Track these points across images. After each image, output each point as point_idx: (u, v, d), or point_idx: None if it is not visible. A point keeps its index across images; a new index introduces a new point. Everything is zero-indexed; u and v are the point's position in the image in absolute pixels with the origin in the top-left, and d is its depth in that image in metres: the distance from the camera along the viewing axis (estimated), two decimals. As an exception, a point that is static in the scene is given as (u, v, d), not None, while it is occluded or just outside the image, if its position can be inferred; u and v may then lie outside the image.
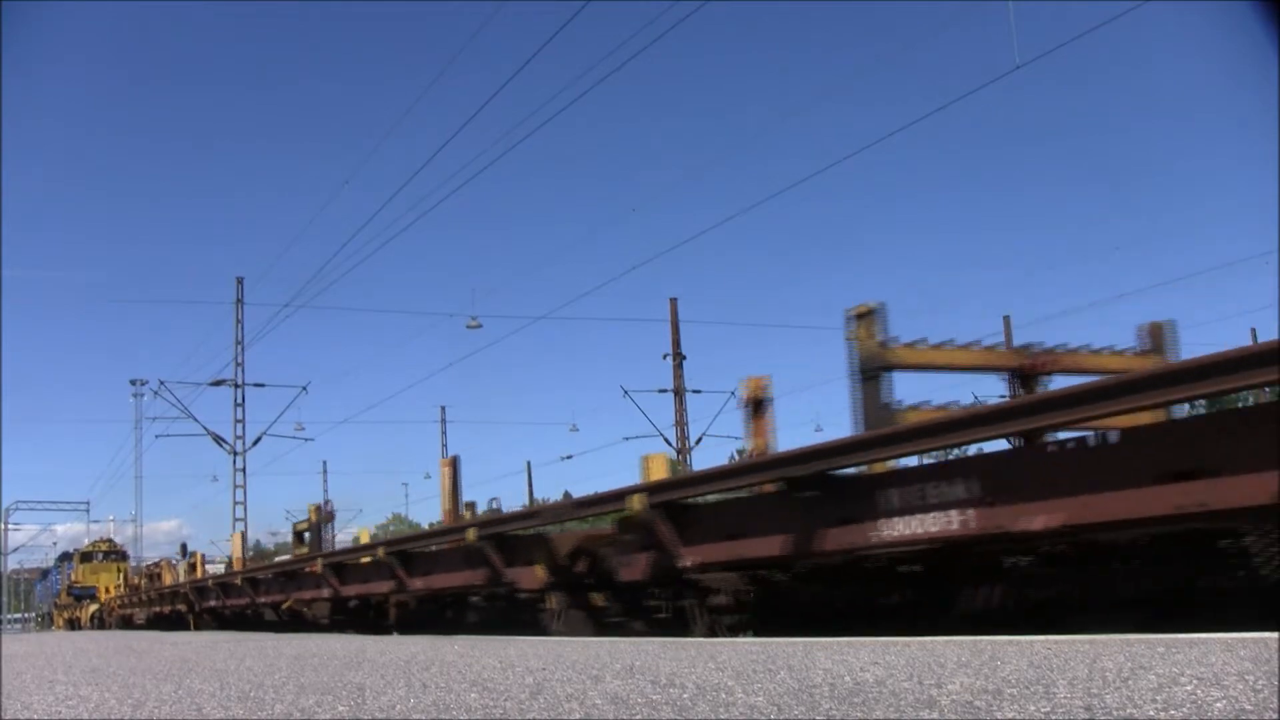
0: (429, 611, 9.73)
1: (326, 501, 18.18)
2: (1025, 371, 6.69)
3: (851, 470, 5.42)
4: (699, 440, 31.89)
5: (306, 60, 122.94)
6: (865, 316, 6.10)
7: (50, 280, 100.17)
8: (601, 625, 7.34)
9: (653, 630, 6.71)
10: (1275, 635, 3.15)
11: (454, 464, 10.80)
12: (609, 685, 3.15)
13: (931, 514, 4.76)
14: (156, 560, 31.80)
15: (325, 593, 11.98)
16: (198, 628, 18.24)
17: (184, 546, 31.53)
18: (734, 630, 6.08)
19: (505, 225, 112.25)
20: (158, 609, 23.54)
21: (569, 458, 49.97)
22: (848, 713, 2.36)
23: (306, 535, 16.49)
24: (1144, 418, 4.18)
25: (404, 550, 9.97)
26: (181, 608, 20.15)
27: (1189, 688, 2.29)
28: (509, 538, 8.17)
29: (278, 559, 17.92)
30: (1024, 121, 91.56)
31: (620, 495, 6.68)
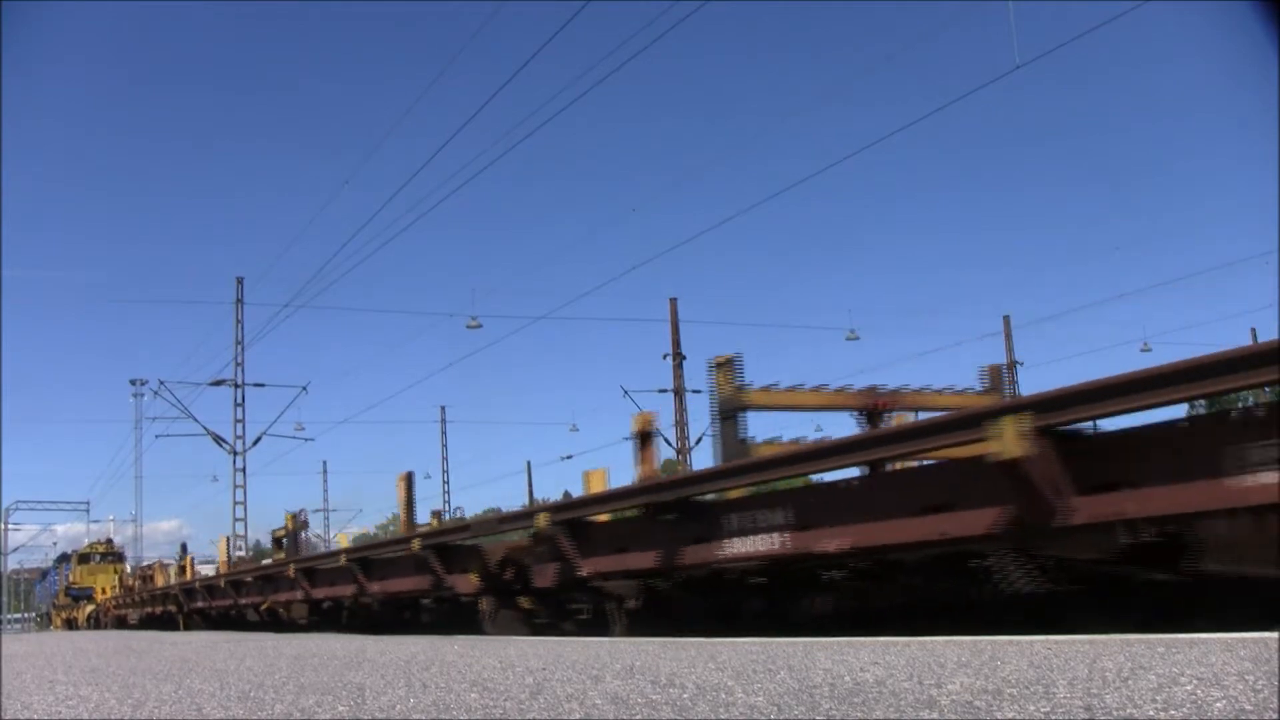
0: (389, 613, 10.76)
1: (301, 510, 19.83)
2: (871, 410, 7.54)
3: (710, 496, 6.41)
4: (699, 440, 31.87)
5: (306, 60, 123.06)
6: (724, 365, 7.13)
7: (50, 280, 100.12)
8: (533, 626, 8.26)
9: (580, 630, 7.72)
10: (1275, 635, 3.15)
11: (408, 479, 11.66)
12: (609, 685, 3.15)
13: (760, 535, 5.71)
14: (151, 563, 32.67)
15: (299, 595, 12.91)
16: (187, 627, 18.92)
17: (184, 546, 31.50)
18: (637, 630, 6.95)
19: (505, 225, 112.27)
20: (150, 609, 24.41)
21: (569, 458, 49.88)
22: (848, 713, 2.36)
23: (284, 541, 17.72)
24: (971, 449, 4.67)
25: (364, 557, 10.90)
26: (172, 608, 20.99)
27: (1189, 688, 2.29)
28: (449, 547, 9.03)
29: (262, 562, 18.72)
30: (1024, 121, 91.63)
31: (531, 514, 7.87)
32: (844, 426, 7.72)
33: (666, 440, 31.77)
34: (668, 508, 6.48)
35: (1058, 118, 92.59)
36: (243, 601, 15.66)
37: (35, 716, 3.47)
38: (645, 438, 7.66)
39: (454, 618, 9.23)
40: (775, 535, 5.57)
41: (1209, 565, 4.24)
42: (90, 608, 37.33)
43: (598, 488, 7.89)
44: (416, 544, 9.20)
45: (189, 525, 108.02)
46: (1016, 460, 4.25)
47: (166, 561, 29.64)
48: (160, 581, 26.02)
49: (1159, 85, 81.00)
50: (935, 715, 2.24)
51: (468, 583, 8.63)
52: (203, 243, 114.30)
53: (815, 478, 6.90)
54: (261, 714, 3.10)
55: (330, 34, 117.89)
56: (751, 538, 5.81)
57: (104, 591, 37.33)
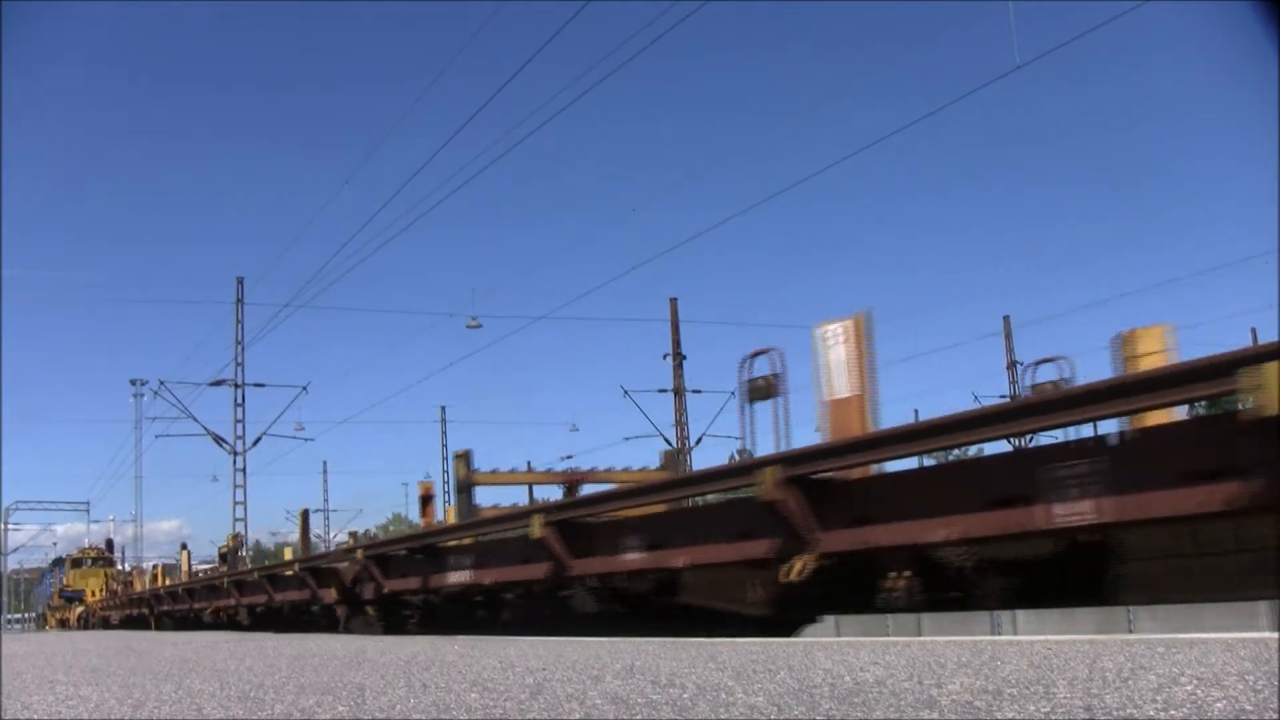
0: (291, 615, 13.82)
1: (236, 534, 24.63)
2: (569, 482, 11.42)
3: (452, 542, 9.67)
4: (699, 440, 31.90)
5: (306, 60, 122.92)
6: (461, 457, 11.77)
7: (50, 280, 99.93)
8: (378, 628, 10.75)
9: (418, 630, 10.03)
10: (1275, 635, 3.15)
11: (305, 516, 17.08)
12: (609, 685, 3.15)
13: (629, 554, 7.03)
14: (134, 568, 36.46)
15: (232, 601, 16.15)
16: (158, 628, 21.47)
17: (184, 546, 31.64)
18: (428, 629, 9.56)
19: (505, 225, 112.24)
20: (129, 611, 27.58)
21: (569, 458, 49.85)
22: (848, 713, 2.36)
23: (227, 556, 22.04)
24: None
25: (271, 574, 14.46)
26: (145, 611, 23.93)
27: (1189, 688, 2.29)
28: (319, 569, 12.22)
29: (233, 571, 21.31)
30: (1024, 121, 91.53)
31: (353, 549, 11.45)
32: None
33: (667, 440, 31.80)
34: (423, 550, 9.87)
35: (1058, 118, 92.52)
36: (196, 606, 18.83)
37: (35, 716, 3.47)
38: (426, 500, 12.00)
39: (327, 620, 12.18)
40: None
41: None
42: (80, 609, 39.78)
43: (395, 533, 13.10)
44: (296, 567, 12.90)
45: (189, 525, 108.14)
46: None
47: (169, 562, 31.43)
48: (138, 587, 29.31)
49: (1159, 85, 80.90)
50: (935, 715, 2.24)
51: (330, 595, 11.62)
52: (203, 243, 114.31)
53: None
54: (261, 714, 3.10)
55: (330, 34, 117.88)
56: (459, 572, 9.15)
57: (94, 594, 39.72)
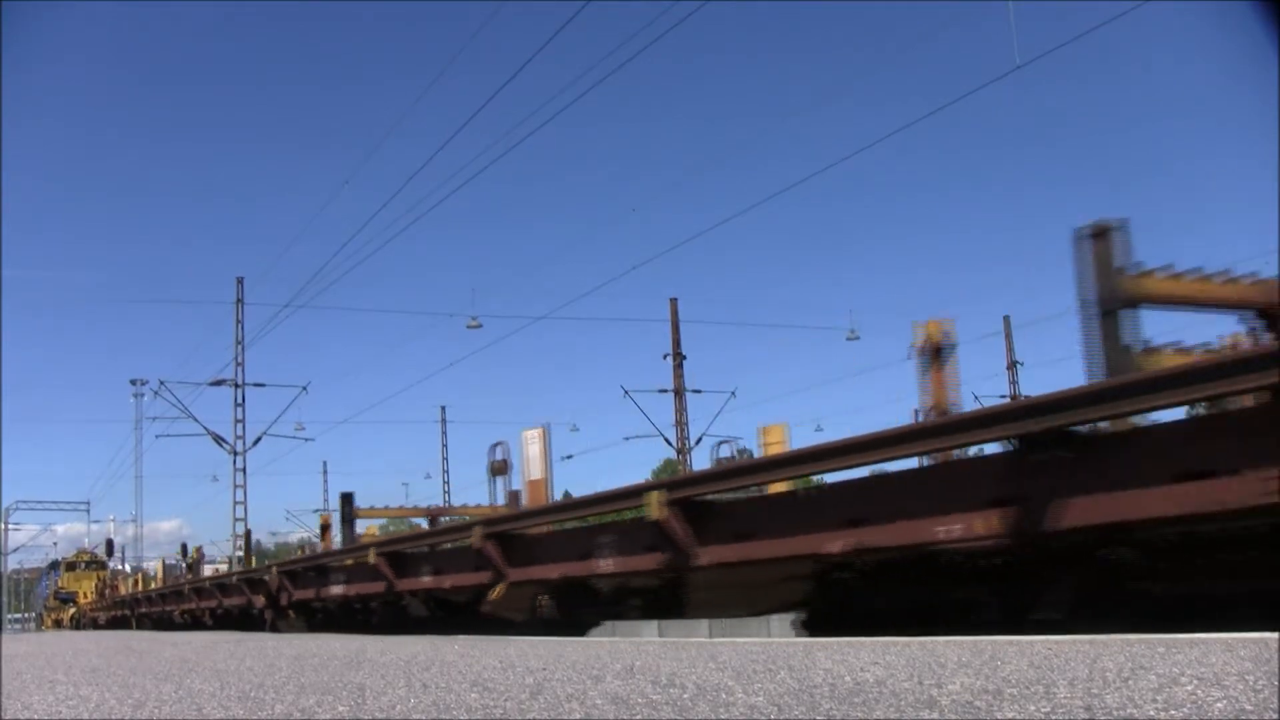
0: (241, 617, 15.60)
1: (199, 547, 28.66)
2: (431, 515, 13.84)
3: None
4: (699, 440, 31.87)
5: (306, 60, 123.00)
6: (346, 497, 15.59)
7: (50, 280, 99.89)
8: (300, 627, 13.16)
9: (323, 628, 12.32)
10: (1275, 635, 3.15)
11: (248, 535, 24.08)
12: (609, 685, 3.15)
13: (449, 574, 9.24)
14: (126, 567, 40.40)
15: (193, 605, 19.12)
16: (138, 627, 23.99)
17: (184, 546, 31.77)
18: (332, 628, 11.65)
19: (505, 225, 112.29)
20: (114, 613, 30.54)
21: (569, 458, 49.91)
22: (848, 713, 2.36)
23: (192, 566, 25.63)
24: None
25: (220, 583, 17.45)
26: (127, 612, 27.16)
27: (1189, 688, 2.29)
28: (252, 580, 14.96)
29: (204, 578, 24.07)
30: (1024, 121, 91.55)
31: (268, 568, 14.36)
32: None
33: (667, 440, 31.80)
34: (312, 569, 12.82)
35: (1058, 118, 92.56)
36: (168, 608, 21.74)
37: (35, 716, 3.47)
38: (325, 529, 17.44)
39: (260, 621, 14.33)
40: (343, 586, 10.28)
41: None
42: (73, 610, 42.21)
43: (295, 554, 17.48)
44: (235, 577, 16.09)
45: (189, 525, 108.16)
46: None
47: (171, 561, 33.16)
48: (122, 590, 32.61)
49: (1159, 85, 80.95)
50: (935, 715, 2.24)
51: (260, 601, 14.29)
52: (203, 243, 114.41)
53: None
54: (261, 714, 3.10)
55: (330, 34, 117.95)
56: (338, 586, 11.76)
57: (85, 596, 42.15)
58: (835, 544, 5.31)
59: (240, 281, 31.80)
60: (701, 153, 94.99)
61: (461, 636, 7.60)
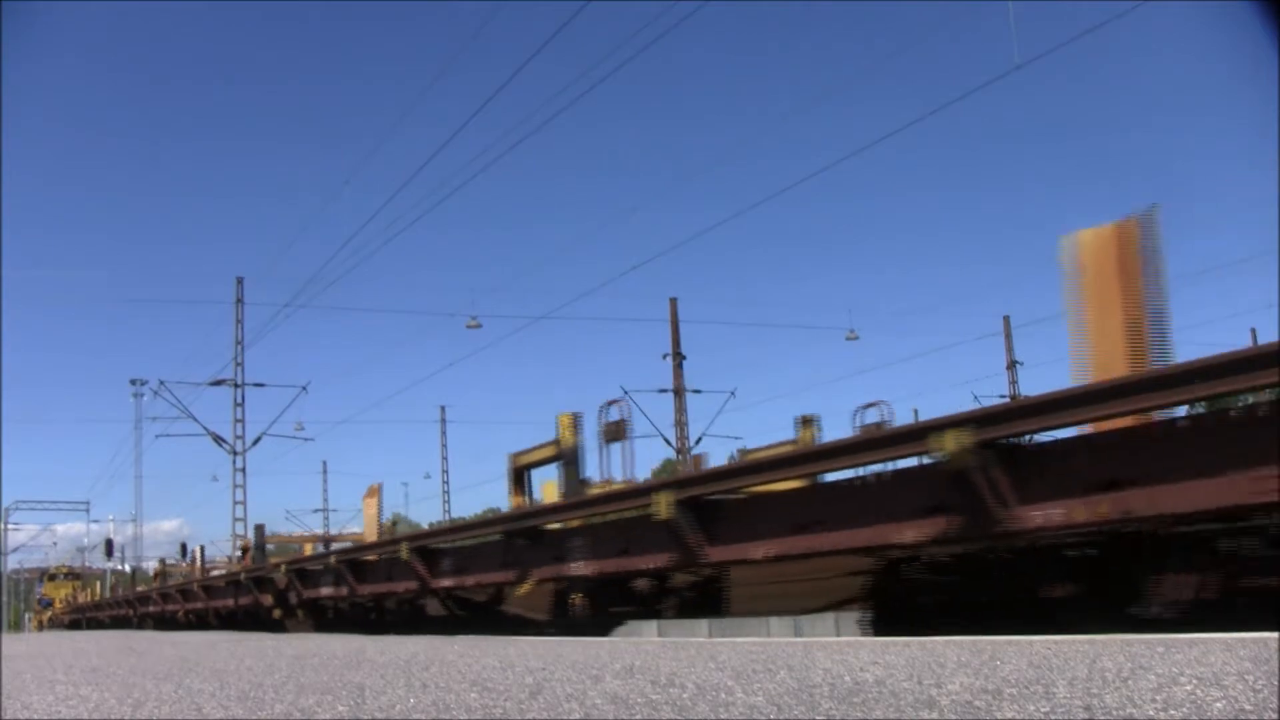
0: (232, 618, 15.94)
1: (163, 560, 33.51)
2: (325, 540, 19.32)
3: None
4: (699, 440, 31.87)
5: (307, 60, 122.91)
6: (259, 527, 22.33)
7: (50, 280, 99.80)
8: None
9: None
10: (1275, 635, 3.15)
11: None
12: (609, 685, 3.15)
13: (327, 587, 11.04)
14: (126, 568, 45.48)
15: (156, 608, 21.02)
16: (101, 628, 27.65)
17: (184, 546, 31.96)
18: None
19: (505, 225, 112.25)
20: (76, 616, 36.58)
21: (567, 458, 49.86)
22: (848, 713, 2.36)
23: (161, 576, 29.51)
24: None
25: (206, 585, 18.20)
26: (94, 614, 32.63)
27: (1189, 688, 2.29)
28: (260, 579, 14.68)
29: (156, 585, 27.22)
30: (1024, 121, 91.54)
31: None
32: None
33: (666, 440, 31.77)
34: (256, 578, 14.39)
35: (1058, 118, 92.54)
36: (138, 611, 24.20)
37: (35, 716, 3.47)
38: (245, 551, 20.51)
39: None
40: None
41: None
42: (48, 613, 49.56)
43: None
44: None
45: (189, 525, 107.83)
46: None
47: (171, 562, 35.42)
48: (80, 599, 40.86)
49: (1159, 85, 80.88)
50: (935, 715, 2.24)
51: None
52: (203, 243, 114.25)
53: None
54: (261, 714, 3.10)
55: (330, 34, 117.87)
56: (325, 588, 12.42)
57: (58, 603, 49.22)
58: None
59: (240, 281, 31.81)
60: (701, 153, 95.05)
61: (462, 636, 7.59)
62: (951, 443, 4.51)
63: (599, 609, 8.07)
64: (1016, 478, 4.48)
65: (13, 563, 64.10)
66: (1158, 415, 4.24)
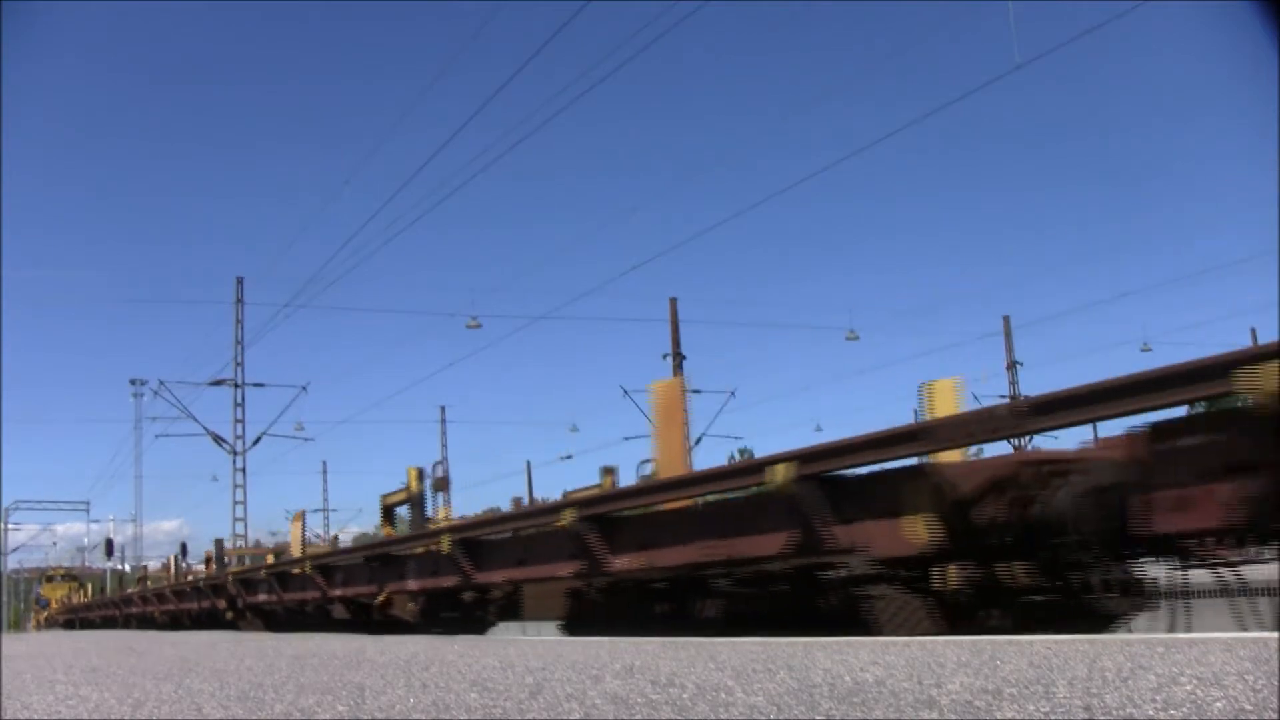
0: (203, 618, 17.09)
1: (145, 567, 36.21)
2: (253, 554, 22.14)
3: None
4: (699, 440, 31.98)
5: (307, 59, 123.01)
6: (218, 542, 24.19)
7: (50, 280, 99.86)
8: (262, 626, 14.00)
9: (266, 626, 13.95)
10: (1275, 635, 3.15)
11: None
12: (609, 685, 3.15)
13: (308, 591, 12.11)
14: (127, 568, 49.93)
15: (138, 609, 22.52)
16: (82, 628, 29.18)
17: (184, 546, 31.88)
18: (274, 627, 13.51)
19: (505, 225, 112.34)
20: (70, 616, 37.35)
21: (569, 458, 50.01)
22: (848, 713, 2.37)
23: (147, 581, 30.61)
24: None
25: (178, 589, 20.00)
26: (85, 615, 33.19)
27: (1189, 688, 2.29)
28: (215, 585, 16.31)
29: (146, 588, 27.87)
30: (1024, 121, 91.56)
31: (228, 575, 15.84)
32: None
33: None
34: (213, 585, 15.99)
35: (1058, 118, 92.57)
36: (123, 611, 25.42)
37: (35, 716, 3.47)
38: (208, 561, 23.11)
39: (225, 621, 15.38)
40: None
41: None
42: (45, 613, 50.57)
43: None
44: (202, 582, 18.01)
45: (189, 525, 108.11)
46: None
47: (171, 561, 36.32)
48: (74, 600, 42.72)
49: (1159, 85, 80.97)
50: (935, 715, 2.24)
51: (222, 603, 15.63)
52: (203, 243, 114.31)
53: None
54: (261, 714, 3.10)
55: (330, 33, 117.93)
56: (262, 594, 14.10)
57: (55, 603, 50.21)
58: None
59: (240, 281, 31.97)
60: (700, 153, 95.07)
61: (461, 636, 7.60)
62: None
63: (432, 616, 9.90)
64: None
65: (13, 563, 64.32)
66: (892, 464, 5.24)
